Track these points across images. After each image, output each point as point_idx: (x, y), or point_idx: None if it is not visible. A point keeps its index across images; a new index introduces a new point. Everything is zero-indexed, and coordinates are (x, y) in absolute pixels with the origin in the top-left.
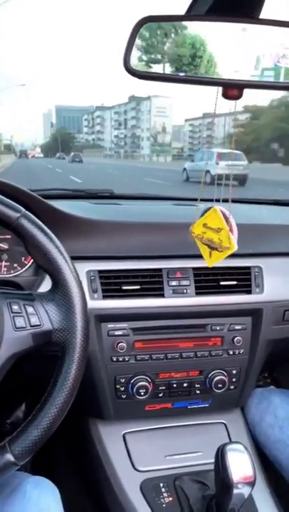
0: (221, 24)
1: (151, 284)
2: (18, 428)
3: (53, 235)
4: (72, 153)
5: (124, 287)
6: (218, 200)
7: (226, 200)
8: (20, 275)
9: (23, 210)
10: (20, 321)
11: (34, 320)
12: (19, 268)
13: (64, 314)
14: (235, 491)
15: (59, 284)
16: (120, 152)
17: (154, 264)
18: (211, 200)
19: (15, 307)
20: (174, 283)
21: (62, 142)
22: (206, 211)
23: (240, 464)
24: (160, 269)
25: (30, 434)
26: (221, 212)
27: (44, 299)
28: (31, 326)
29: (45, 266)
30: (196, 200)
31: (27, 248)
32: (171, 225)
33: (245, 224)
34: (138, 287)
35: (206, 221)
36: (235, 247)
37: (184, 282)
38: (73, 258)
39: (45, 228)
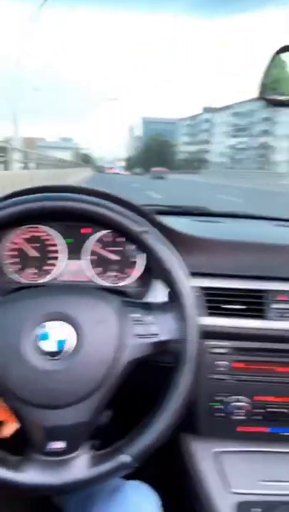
0: None
1: (254, 304)
2: (131, 433)
3: (174, 250)
4: (154, 169)
5: (226, 306)
6: None
7: None
8: (128, 286)
9: (149, 224)
10: (140, 329)
11: (153, 329)
12: (126, 279)
13: (180, 326)
14: None
15: (176, 297)
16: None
17: (257, 285)
18: None
19: (136, 315)
20: (277, 305)
21: (159, 154)
22: None
23: None
24: (263, 290)
25: (147, 437)
26: None
27: (161, 309)
28: (150, 335)
29: (165, 278)
30: None
31: (149, 261)
32: (277, 246)
33: None
34: (240, 307)
35: None
36: None
37: (287, 305)
38: None
39: (167, 243)
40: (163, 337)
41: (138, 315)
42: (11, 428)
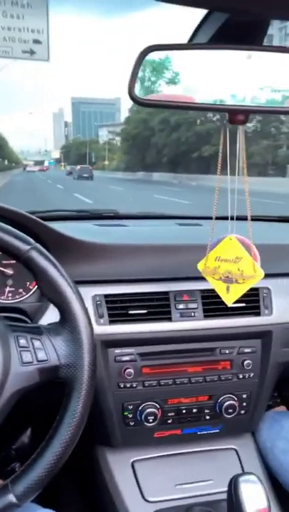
0: (225, 52)
1: (159, 307)
2: (22, 467)
3: (62, 269)
4: (78, 167)
5: (131, 311)
6: (231, 218)
7: (240, 218)
8: (25, 301)
9: (33, 242)
10: (27, 356)
11: (41, 355)
12: (24, 293)
13: (71, 349)
14: None
15: (67, 319)
16: None
17: (160, 287)
18: (224, 218)
19: (22, 341)
20: (181, 306)
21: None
22: (217, 243)
23: (254, 497)
24: (167, 292)
25: (35, 473)
26: (239, 240)
27: (52, 332)
28: (38, 361)
29: (55, 299)
30: (203, 218)
31: (36, 281)
32: (177, 246)
33: None
34: (145, 311)
35: (219, 253)
36: (262, 274)
37: (192, 305)
38: (79, 282)
39: (55, 262)
40: (52, 363)
41: (24, 341)
42: None
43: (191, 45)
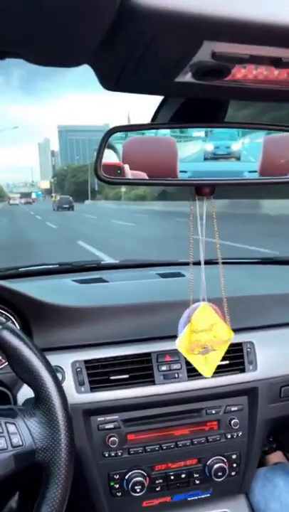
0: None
1: (141, 370)
2: None
3: (35, 349)
4: (58, 197)
5: (113, 377)
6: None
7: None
8: (4, 370)
9: (4, 321)
10: (1, 442)
11: (16, 440)
12: (3, 361)
13: (47, 432)
14: None
15: (42, 400)
16: None
17: (142, 349)
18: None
19: None
20: (164, 368)
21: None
22: (188, 317)
23: None
24: (149, 354)
25: None
26: (212, 306)
27: (26, 414)
28: (13, 447)
29: (27, 380)
30: (183, 264)
31: (9, 361)
32: (158, 304)
33: (231, 297)
34: (127, 376)
35: (194, 326)
36: (232, 334)
37: (175, 366)
38: (58, 348)
39: (27, 341)
40: (28, 447)
41: None
42: None
43: (152, 124)
